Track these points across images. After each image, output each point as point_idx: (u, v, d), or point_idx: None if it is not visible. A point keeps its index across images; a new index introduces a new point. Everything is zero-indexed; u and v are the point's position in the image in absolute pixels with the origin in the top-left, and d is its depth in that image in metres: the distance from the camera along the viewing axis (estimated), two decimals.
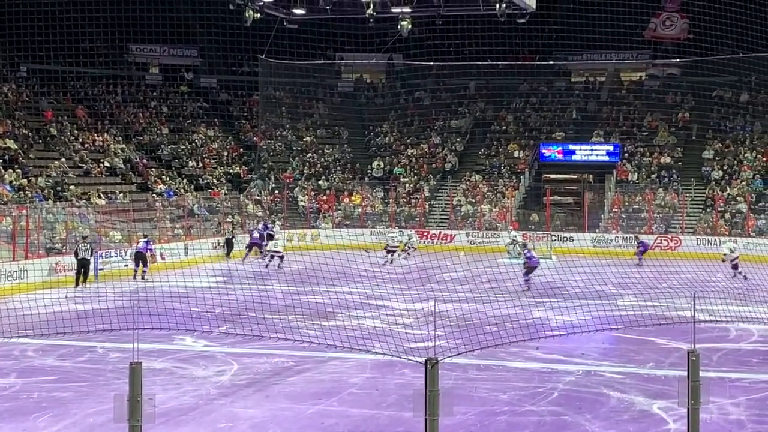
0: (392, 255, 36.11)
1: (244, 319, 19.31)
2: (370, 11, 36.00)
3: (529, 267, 28.36)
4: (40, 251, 30.50)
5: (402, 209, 46.87)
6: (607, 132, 50.63)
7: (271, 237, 37.24)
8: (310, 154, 51.97)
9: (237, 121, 53.73)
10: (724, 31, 37.19)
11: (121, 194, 40.13)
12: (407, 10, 37.25)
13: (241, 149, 51.71)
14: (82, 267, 28.08)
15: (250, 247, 37.48)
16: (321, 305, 22.95)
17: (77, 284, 27.79)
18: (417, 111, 54.28)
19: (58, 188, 37.68)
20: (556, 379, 16.18)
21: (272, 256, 34.63)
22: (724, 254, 32.74)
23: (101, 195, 38.68)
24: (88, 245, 28.55)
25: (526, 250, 30.03)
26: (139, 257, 30.56)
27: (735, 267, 31.61)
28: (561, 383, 15.87)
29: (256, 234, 37.90)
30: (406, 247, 37.80)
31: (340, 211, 46.80)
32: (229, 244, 38.09)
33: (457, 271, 31.76)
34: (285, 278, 28.32)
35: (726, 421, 13.62)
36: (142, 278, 29.88)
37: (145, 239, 31.37)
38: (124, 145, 45.64)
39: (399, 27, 37.79)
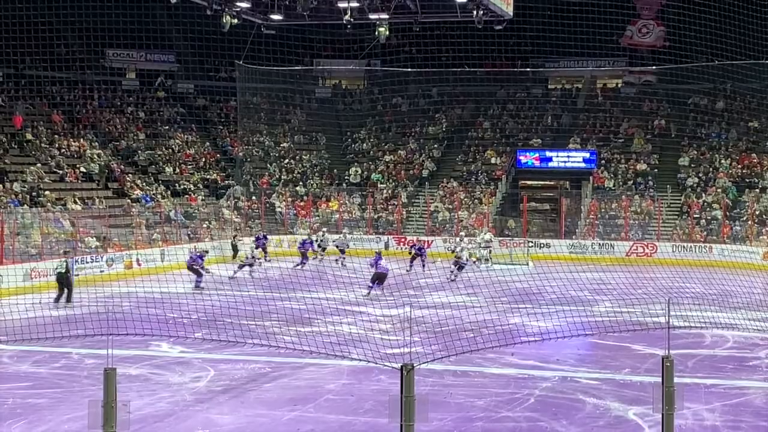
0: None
1: (220, 325, 19.25)
2: (347, 17, 36.04)
3: (378, 274, 28.06)
4: (17, 257, 30.27)
5: (379, 215, 46.86)
6: (584, 139, 50.82)
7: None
8: (287, 160, 51.90)
9: (214, 126, 53.58)
10: (700, 38, 37.39)
11: (98, 200, 39.93)
12: (384, 16, 37.24)
13: (218, 155, 51.57)
14: None
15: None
16: (298, 311, 22.91)
17: None
18: (394, 117, 54.31)
19: (34, 193, 37.43)
20: (532, 385, 16.22)
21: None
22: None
23: (77, 200, 38.46)
24: None
25: (377, 256, 29.41)
26: (192, 270, 29.78)
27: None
28: (537, 389, 15.91)
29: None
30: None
31: (317, 217, 46.73)
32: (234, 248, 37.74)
33: (433, 277, 31.99)
34: (262, 284, 28.25)
35: (701, 427, 13.70)
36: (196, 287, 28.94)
37: (197, 253, 30.76)
38: (100, 151, 45.42)
39: (376, 33, 37.77)
